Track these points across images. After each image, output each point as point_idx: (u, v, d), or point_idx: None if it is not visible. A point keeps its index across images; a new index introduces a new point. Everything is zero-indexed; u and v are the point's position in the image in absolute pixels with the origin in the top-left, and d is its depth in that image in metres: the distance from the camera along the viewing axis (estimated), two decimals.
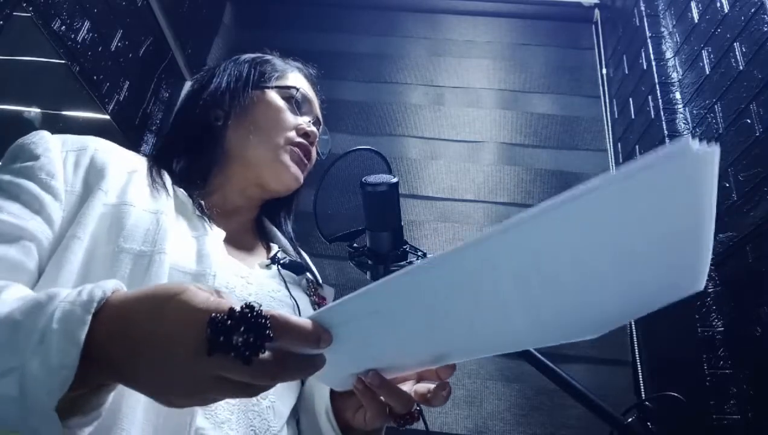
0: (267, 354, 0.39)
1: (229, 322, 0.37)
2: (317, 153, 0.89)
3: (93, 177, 0.65)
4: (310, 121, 0.84)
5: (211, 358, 0.37)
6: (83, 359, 0.39)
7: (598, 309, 0.47)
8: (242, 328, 0.37)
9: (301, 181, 0.83)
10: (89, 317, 0.40)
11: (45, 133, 0.67)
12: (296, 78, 0.87)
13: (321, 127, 0.90)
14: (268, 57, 0.89)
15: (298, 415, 0.75)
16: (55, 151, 0.65)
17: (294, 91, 0.83)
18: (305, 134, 0.82)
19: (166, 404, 0.42)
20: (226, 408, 0.60)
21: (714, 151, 0.33)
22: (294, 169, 0.80)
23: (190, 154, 0.80)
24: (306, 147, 0.82)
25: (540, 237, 0.36)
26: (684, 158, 0.33)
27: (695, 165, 0.34)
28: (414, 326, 0.45)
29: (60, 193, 0.62)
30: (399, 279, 0.39)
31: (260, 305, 0.38)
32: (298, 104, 0.84)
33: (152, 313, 0.41)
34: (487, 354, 0.54)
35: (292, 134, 0.81)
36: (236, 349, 0.36)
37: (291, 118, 0.82)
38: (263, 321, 0.37)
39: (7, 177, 0.61)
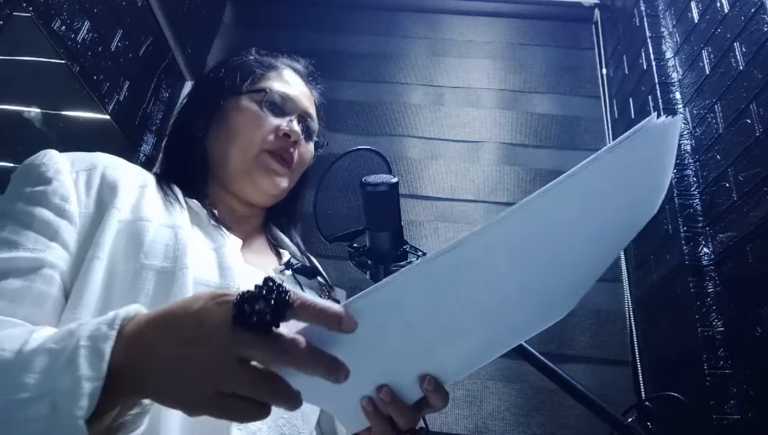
0: (288, 331, 0.41)
1: (254, 292, 0.40)
2: (315, 148, 0.87)
3: (106, 195, 0.65)
4: (291, 120, 0.81)
5: (235, 331, 0.39)
6: (110, 379, 0.40)
7: (575, 274, 0.52)
8: (265, 294, 0.39)
9: (283, 186, 0.80)
10: (114, 332, 0.42)
11: (53, 153, 0.66)
12: (279, 76, 0.84)
13: (310, 121, 0.86)
14: (249, 58, 0.86)
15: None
16: (66, 173, 0.64)
17: (264, 94, 0.80)
18: (285, 135, 0.79)
19: (189, 408, 0.42)
20: None
21: (677, 120, 0.41)
22: (270, 178, 0.78)
23: (186, 167, 0.80)
24: (286, 148, 0.79)
25: (531, 222, 0.42)
26: (648, 132, 0.39)
27: (659, 136, 0.41)
28: (426, 323, 0.46)
29: (74, 217, 0.62)
30: (420, 267, 0.41)
31: (282, 280, 0.41)
32: (274, 105, 0.81)
33: (183, 309, 0.43)
34: (495, 349, 0.55)
35: (271, 137, 0.78)
36: (259, 313, 0.39)
37: (267, 121, 0.79)
38: (283, 289, 0.40)
39: (19, 204, 0.61)
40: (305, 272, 0.80)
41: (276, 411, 0.62)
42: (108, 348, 0.41)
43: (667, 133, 0.43)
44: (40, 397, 0.41)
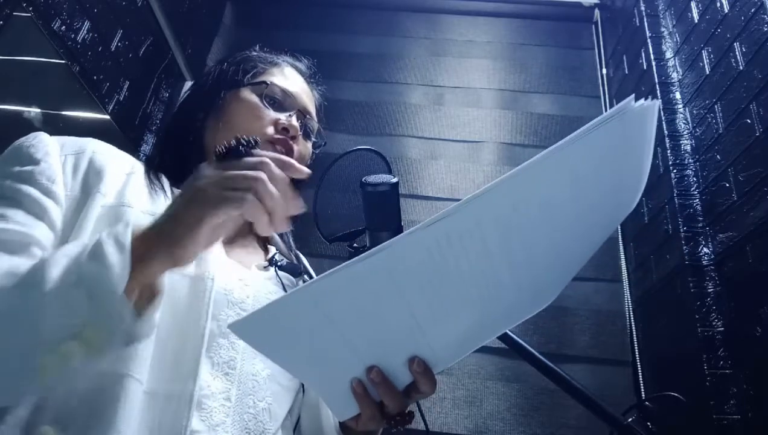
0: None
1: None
2: (313, 148, 0.86)
3: (92, 180, 0.65)
4: (291, 115, 0.80)
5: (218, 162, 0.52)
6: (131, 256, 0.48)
7: (562, 259, 0.53)
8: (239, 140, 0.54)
9: None
10: (129, 228, 0.50)
11: (43, 136, 0.66)
12: (281, 72, 0.84)
13: (309, 119, 0.85)
14: (252, 54, 0.86)
15: (295, 417, 0.75)
16: (54, 155, 0.64)
17: (264, 87, 0.80)
18: (284, 129, 0.78)
19: (203, 213, 0.50)
20: (221, 410, 0.60)
21: (654, 104, 0.42)
22: None
23: (179, 156, 0.80)
24: (284, 143, 0.78)
25: (518, 194, 0.43)
26: (624, 116, 0.41)
27: (638, 119, 0.42)
28: (419, 295, 0.46)
29: (60, 198, 0.62)
30: (413, 235, 0.42)
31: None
32: (273, 99, 0.80)
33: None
34: (485, 333, 0.55)
35: (269, 130, 0.77)
36: (232, 147, 0.53)
37: (267, 114, 0.78)
38: (254, 138, 0.55)
39: (7, 182, 0.61)
40: (290, 270, 0.79)
41: (242, 406, 0.62)
42: (128, 234, 0.49)
43: (645, 117, 0.43)
44: (72, 285, 0.46)
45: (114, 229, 0.50)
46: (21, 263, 0.51)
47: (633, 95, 0.41)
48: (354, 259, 0.42)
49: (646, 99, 0.41)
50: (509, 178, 0.40)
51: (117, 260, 0.47)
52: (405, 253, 0.43)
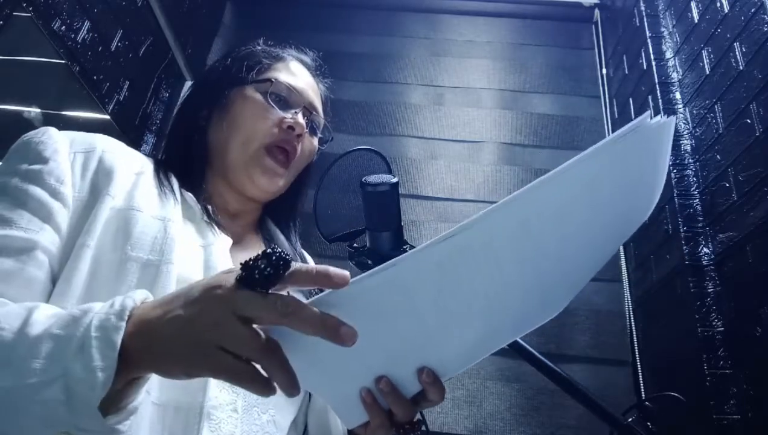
0: (287, 294, 0.42)
1: (258, 255, 0.42)
2: (320, 143, 0.85)
3: (101, 181, 0.64)
4: (296, 112, 0.78)
5: (239, 288, 0.41)
6: (119, 363, 0.42)
7: (573, 269, 0.53)
8: (268, 254, 0.42)
9: (279, 184, 0.78)
10: (123, 323, 0.43)
11: (53, 132, 0.65)
12: (286, 67, 0.83)
13: (315, 115, 0.84)
14: (257, 48, 0.85)
15: (301, 426, 0.75)
16: (63, 153, 0.64)
17: (269, 84, 0.78)
18: (290, 127, 0.77)
19: (191, 366, 0.43)
20: (230, 422, 0.60)
21: (671, 120, 0.42)
22: (266, 176, 0.76)
23: (185, 156, 0.79)
24: (289, 141, 0.77)
25: (531, 209, 0.42)
26: (640, 132, 0.41)
27: (653, 135, 0.42)
28: (430, 307, 0.46)
29: (68, 200, 0.61)
30: (424, 252, 0.42)
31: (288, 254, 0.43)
32: (279, 96, 0.78)
33: (192, 284, 0.45)
34: (494, 340, 0.55)
35: (274, 130, 0.76)
36: (261, 270, 0.41)
37: (271, 113, 0.77)
38: (285, 253, 0.43)
39: (14, 180, 0.60)
40: None
41: (249, 418, 0.61)
42: (119, 339, 0.42)
43: (661, 133, 0.43)
44: (52, 381, 0.42)
45: (109, 317, 0.44)
46: (9, 310, 0.47)
47: (649, 111, 0.41)
48: (365, 273, 0.42)
49: (657, 111, 0.41)
50: (523, 194, 0.40)
51: (101, 366, 0.41)
52: (417, 268, 0.43)
